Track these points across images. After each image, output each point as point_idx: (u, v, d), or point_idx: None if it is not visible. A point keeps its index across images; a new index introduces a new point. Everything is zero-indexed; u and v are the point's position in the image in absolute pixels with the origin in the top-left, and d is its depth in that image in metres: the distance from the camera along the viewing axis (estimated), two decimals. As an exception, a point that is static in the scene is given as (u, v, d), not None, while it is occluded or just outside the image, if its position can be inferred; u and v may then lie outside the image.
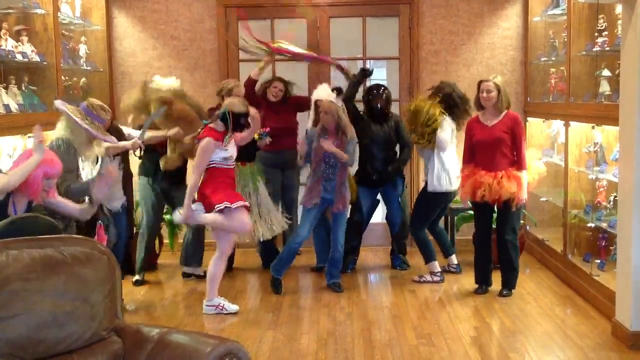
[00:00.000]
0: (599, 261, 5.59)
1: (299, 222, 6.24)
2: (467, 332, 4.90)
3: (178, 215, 5.19)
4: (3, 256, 2.86)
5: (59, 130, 4.67)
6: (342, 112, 5.80)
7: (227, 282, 5.99)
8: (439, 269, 6.14)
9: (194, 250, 6.29)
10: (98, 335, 2.98)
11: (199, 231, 6.24)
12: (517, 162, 5.47)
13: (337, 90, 6.09)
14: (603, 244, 5.68)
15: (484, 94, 5.56)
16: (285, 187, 6.51)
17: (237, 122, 5.18)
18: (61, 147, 4.57)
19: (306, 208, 5.88)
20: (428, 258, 6.14)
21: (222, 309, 5.34)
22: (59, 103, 4.74)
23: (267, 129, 5.96)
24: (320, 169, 5.81)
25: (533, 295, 5.70)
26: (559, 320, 5.16)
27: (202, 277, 6.18)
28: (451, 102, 5.92)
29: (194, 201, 5.22)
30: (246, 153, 5.88)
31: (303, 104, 6.49)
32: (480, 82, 5.64)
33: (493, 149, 5.50)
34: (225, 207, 5.11)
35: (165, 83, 5.92)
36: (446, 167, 5.89)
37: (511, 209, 5.47)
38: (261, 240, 6.21)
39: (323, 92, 6.05)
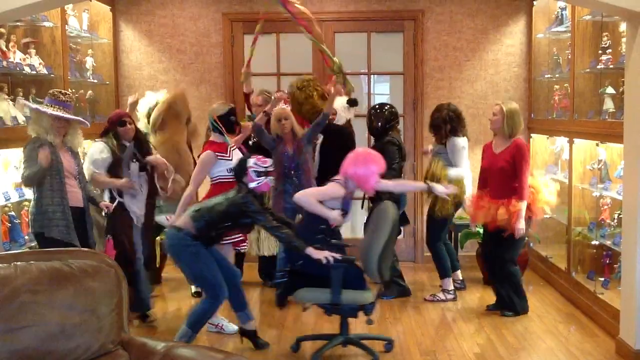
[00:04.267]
0: (602, 279, 5.57)
1: None
2: (471, 349, 4.89)
3: (165, 219, 5.13)
4: (11, 268, 2.89)
5: (30, 128, 4.78)
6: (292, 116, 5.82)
7: (231, 296, 5.98)
8: (452, 287, 6.11)
9: None
10: (105, 348, 2.99)
11: None
12: (518, 192, 5.38)
13: (351, 102, 6.11)
14: (607, 261, 5.67)
15: (490, 116, 5.60)
16: None
17: (228, 122, 5.16)
18: (31, 141, 4.70)
19: None
20: (443, 274, 6.08)
21: (221, 329, 5.28)
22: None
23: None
24: (282, 179, 5.72)
25: (537, 313, 5.69)
26: (562, 337, 5.15)
27: None
28: (451, 120, 5.94)
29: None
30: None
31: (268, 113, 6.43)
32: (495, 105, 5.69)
33: (495, 177, 5.51)
34: None
35: (155, 97, 5.95)
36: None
37: (504, 236, 5.45)
38: (260, 255, 6.22)
39: (338, 103, 6.07)
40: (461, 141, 5.92)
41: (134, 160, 5.26)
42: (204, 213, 4.51)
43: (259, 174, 4.57)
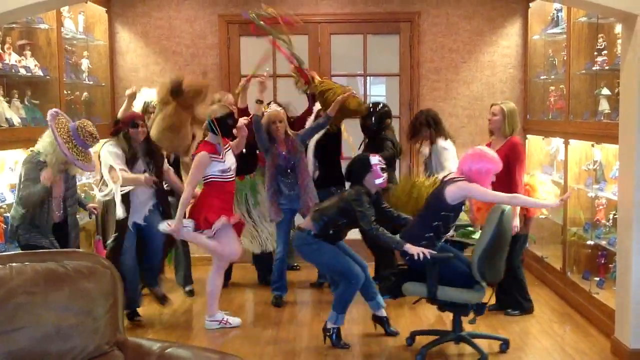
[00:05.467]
0: (598, 279, 5.59)
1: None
2: (467, 349, 4.89)
3: (166, 225, 5.14)
4: (7, 269, 2.88)
5: (42, 144, 4.63)
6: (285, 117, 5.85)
7: (226, 297, 5.98)
8: None
9: (188, 267, 6.35)
10: (100, 349, 2.98)
11: (186, 248, 6.26)
12: (512, 191, 5.24)
13: None
14: (602, 261, 5.68)
15: (489, 116, 5.61)
16: None
17: (224, 126, 5.15)
18: (33, 159, 4.59)
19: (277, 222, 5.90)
20: None
21: (226, 323, 5.34)
22: (51, 114, 4.64)
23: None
24: (276, 179, 5.75)
25: (532, 313, 5.69)
26: (558, 337, 5.16)
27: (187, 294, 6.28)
28: (428, 123, 5.96)
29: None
30: (244, 165, 5.88)
31: (303, 123, 6.43)
32: (491, 105, 5.69)
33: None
34: (216, 231, 5.13)
35: (152, 93, 5.97)
36: None
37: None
38: (255, 254, 6.23)
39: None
40: (443, 143, 5.93)
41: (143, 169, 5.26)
42: (321, 213, 4.88)
43: (382, 170, 4.82)
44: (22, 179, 4.62)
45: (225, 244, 5.22)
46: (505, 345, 4.88)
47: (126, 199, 5.19)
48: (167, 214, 5.40)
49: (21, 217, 4.62)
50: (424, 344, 4.76)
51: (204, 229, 5.13)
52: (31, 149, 4.78)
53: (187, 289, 6.31)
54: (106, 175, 5.16)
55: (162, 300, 5.61)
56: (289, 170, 5.75)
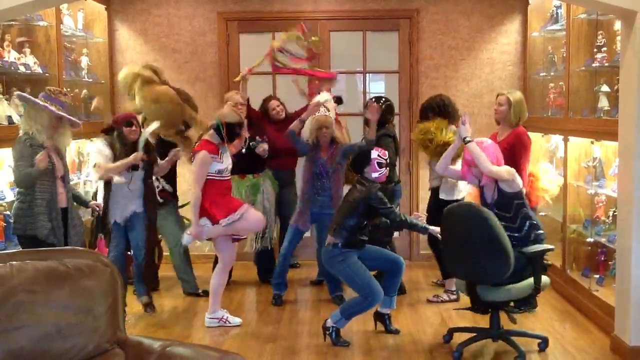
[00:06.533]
0: (597, 276, 5.60)
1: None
2: (467, 347, 4.89)
3: (187, 237, 5.16)
4: (7, 267, 2.88)
5: (24, 123, 4.69)
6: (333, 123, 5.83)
7: (226, 295, 5.96)
8: (455, 287, 6.07)
9: (189, 271, 6.29)
10: (101, 348, 2.98)
11: (186, 253, 6.22)
12: None
13: (337, 99, 6.10)
14: (602, 258, 5.68)
15: (495, 106, 5.61)
16: (281, 203, 6.45)
17: (232, 132, 5.18)
18: (22, 138, 4.63)
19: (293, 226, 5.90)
20: (446, 274, 5.99)
21: (225, 322, 5.34)
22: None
23: (264, 138, 6.00)
24: (310, 184, 5.75)
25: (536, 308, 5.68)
26: (558, 335, 5.16)
27: (201, 295, 6.15)
28: (437, 108, 5.91)
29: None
30: (246, 165, 5.87)
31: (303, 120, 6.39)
32: (497, 95, 5.68)
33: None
34: (232, 221, 5.13)
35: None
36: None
37: None
38: (256, 250, 6.22)
39: (323, 99, 6.06)
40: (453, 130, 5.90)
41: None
42: (336, 225, 4.94)
43: (380, 165, 4.91)
44: (15, 161, 4.63)
45: (248, 220, 5.21)
46: (544, 344, 4.84)
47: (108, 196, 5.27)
48: (152, 218, 5.46)
49: (21, 202, 4.62)
50: (460, 342, 4.75)
51: (220, 218, 5.13)
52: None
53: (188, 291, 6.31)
54: (92, 172, 5.28)
55: (147, 307, 5.66)
56: (322, 178, 5.73)
